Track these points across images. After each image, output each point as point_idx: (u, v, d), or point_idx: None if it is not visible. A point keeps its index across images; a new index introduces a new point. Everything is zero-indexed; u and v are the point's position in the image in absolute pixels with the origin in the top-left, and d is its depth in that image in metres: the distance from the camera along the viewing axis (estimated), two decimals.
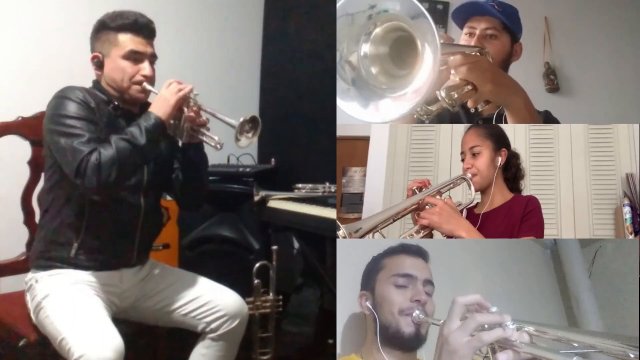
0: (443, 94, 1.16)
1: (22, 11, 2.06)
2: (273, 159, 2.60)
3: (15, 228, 1.68)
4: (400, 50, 1.10)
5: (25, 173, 1.67)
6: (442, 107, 1.18)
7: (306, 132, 2.68)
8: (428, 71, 1.00)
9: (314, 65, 2.63)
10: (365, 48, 1.13)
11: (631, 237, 1.96)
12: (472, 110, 1.29)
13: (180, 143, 1.55)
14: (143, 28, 1.49)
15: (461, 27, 1.53)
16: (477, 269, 1.76)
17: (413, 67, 1.04)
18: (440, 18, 2.55)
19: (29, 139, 1.66)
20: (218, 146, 1.46)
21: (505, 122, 1.37)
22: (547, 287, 2.08)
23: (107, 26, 1.48)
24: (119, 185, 1.39)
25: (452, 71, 1.22)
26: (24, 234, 1.67)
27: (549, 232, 1.96)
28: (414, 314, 1.18)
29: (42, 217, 1.53)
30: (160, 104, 1.43)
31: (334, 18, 1.06)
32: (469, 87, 1.22)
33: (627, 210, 1.99)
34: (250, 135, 1.42)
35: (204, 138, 1.50)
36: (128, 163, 1.37)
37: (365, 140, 2.24)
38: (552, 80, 2.42)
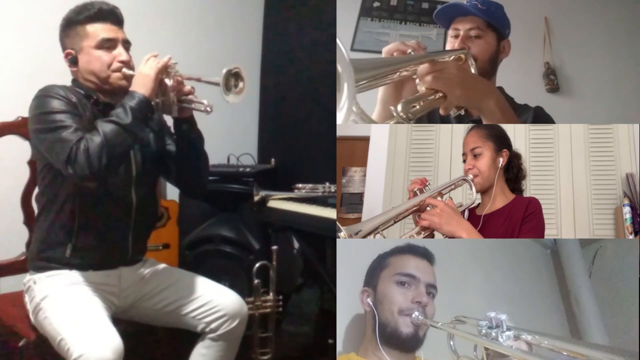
0: (399, 108, 1.14)
1: (23, 11, 2.06)
2: (273, 159, 2.60)
3: (15, 228, 1.68)
4: None
5: (25, 173, 1.67)
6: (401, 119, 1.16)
7: (306, 132, 2.68)
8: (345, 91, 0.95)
9: (314, 65, 2.63)
10: None
11: (631, 237, 1.95)
12: (453, 116, 1.29)
13: (172, 118, 1.51)
14: (109, 15, 1.46)
15: (447, 28, 1.54)
16: (477, 268, 1.76)
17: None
18: None
19: (29, 139, 1.65)
20: (209, 109, 1.41)
21: None
22: (547, 287, 2.08)
23: (74, 21, 1.46)
24: (111, 169, 1.36)
25: (417, 81, 1.21)
26: (24, 234, 1.67)
27: (549, 232, 1.95)
28: (414, 315, 1.19)
29: (37, 218, 1.53)
30: (141, 81, 1.39)
31: (334, 18, 1.06)
32: (439, 94, 1.21)
33: (627, 210, 1.99)
34: (237, 90, 1.38)
35: (193, 105, 1.45)
36: (117, 144, 1.33)
37: (365, 140, 2.24)
38: (552, 80, 2.41)
